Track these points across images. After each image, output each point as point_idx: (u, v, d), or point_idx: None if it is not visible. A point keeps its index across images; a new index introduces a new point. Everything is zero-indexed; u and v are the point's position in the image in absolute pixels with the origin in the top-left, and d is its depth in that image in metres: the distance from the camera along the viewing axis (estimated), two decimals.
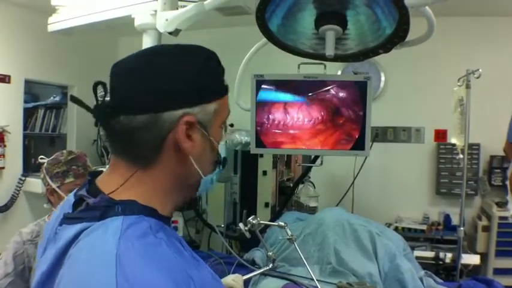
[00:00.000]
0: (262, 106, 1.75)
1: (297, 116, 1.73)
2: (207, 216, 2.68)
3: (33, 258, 1.49)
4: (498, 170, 3.68)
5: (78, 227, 0.61)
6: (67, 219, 0.65)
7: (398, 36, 0.98)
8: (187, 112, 0.65)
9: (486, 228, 3.44)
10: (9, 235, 1.57)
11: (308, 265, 1.62)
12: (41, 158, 1.65)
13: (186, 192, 0.73)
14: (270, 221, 2.00)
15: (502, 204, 3.41)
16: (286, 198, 2.84)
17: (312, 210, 2.80)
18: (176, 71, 0.66)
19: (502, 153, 3.32)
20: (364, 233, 1.88)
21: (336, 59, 1.07)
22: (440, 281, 1.88)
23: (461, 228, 2.56)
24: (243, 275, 1.56)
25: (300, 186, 2.94)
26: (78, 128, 4.26)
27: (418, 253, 2.57)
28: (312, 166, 2.73)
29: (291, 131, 1.75)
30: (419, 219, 3.81)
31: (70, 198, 0.71)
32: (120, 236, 0.56)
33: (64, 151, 1.65)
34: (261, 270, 1.75)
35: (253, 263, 1.91)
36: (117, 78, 0.68)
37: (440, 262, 2.54)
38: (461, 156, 2.64)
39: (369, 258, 1.80)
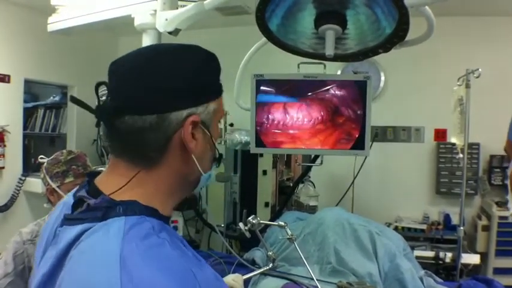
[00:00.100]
0: (262, 106, 1.75)
1: (296, 116, 1.73)
2: (207, 216, 2.68)
3: (33, 258, 1.49)
4: (498, 170, 3.68)
5: (79, 228, 0.60)
6: (67, 220, 0.65)
7: (398, 36, 0.98)
8: (192, 112, 0.66)
9: (486, 228, 3.44)
10: (9, 235, 1.57)
11: (308, 265, 1.62)
12: (41, 158, 1.65)
13: (186, 190, 0.74)
14: (270, 220, 2.00)
15: (502, 204, 3.42)
16: (286, 198, 2.84)
17: (312, 209, 2.80)
18: (180, 71, 0.66)
19: (502, 153, 3.33)
20: (364, 233, 1.88)
21: (335, 58, 1.07)
22: (440, 280, 1.88)
23: (461, 228, 2.56)
24: (243, 275, 1.56)
25: (300, 185, 2.94)
26: (78, 128, 4.26)
27: (418, 253, 2.56)
28: (311, 166, 2.73)
29: (291, 131, 1.75)
30: (419, 218, 3.81)
31: (69, 199, 0.71)
32: (123, 237, 0.56)
33: (64, 151, 1.65)
34: (261, 270, 1.75)
35: (253, 262, 1.91)
36: (119, 78, 0.67)
37: (440, 262, 2.53)
38: (461, 155, 2.64)
39: (369, 258, 1.80)
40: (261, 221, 1.68)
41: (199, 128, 0.67)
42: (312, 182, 3.09)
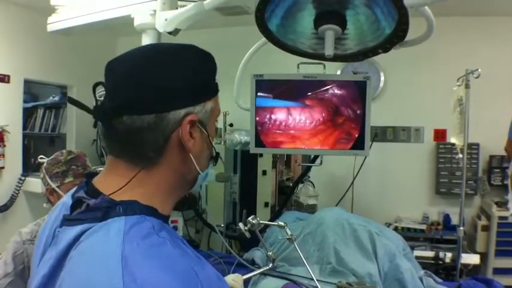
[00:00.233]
0: (262, 108, 1.75)
1: (299, 118, 1.73)
2: (206, 216, 2.68)
3: (32, 258, 1.48)
4: (497, 170, 3.68)
5: (78, 228, 0.60)
6: (67, 221, 0.65)
7: (397, 36, 0.98)
8: (190, 111, 0.66)
9: (486, 228, 3.44)
10: (9, 235, 1.57)
11: (308, 265, 1.62)
12: (41, 158, 1.64)
13: (184, 189, 0.74)
14: (269, 220, 2.00)
15: (502, 204, 3.42)
16: (285, 198, 2.84)
17: (312, 208, 2.81)
18: (179, 70, 0.67)
19: (502, 153, 3.33)
20: (364, 233, 1.88)
21: (335, 58, 1.07)
22: (440, 280, 1.88)
23: (461, 228, 2.56)
24: (243, 275, 1.56)
25: (300, 185, 2.94)
26: (78, 128, 4.26)
27: (417, 253, 2.57)
28: (311, 166, 2.73)
29: (292, 132, 1.75)
30: (419, 219, 3.81)
31: (67, 199, 0.70)
32: (123, 237, 0.56)
33: (63, 151, 1.65)
34: (261, 270, 1.75)
35: (253, 262, 1.92)
36: (116, 78, 0.67)
37: (440, 262, 2.54)
38: (460, 155, 2.64)
39: (369, 258, 1.80)
40: (261, 221, 1.68)
41: (196, 127, 0.67)
42: (312, 182, 3.09)
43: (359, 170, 3.22)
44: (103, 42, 4.42)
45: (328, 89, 1.71)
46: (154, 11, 1.63)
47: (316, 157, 2.44)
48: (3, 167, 3.60)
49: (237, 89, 1.75)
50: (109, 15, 1.81)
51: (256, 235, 1.72)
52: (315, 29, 0.99)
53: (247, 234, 1.68)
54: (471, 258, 2.64)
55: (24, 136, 3.98)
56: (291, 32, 1.09)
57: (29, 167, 3.87)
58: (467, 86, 2.54)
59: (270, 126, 1.74)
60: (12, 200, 3.66)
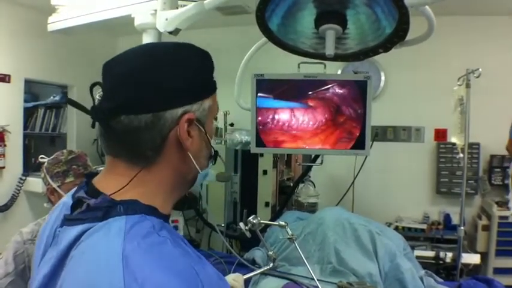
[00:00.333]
0: (264, 108, 1.75)
1: (302, 119, 1.73)
2: (207, 215, 2.68)
3: (33, 258, 1.48)
4: (498, 170, 3.68)
5: (79, 228, 0.60)
6: (67, 221, 0.65)
7: (398, 36, 0.98)
8: (187, 110, 0.66)
9: (486, 228, 3.44)
10: (10, 235, 1.57)
11: (308, 265, 1.62)
12: (42, 158, 1.65)
13: (184, 188, 0.74)
14: (270, 220, 2.00)
15: (502, 204, 3.42)
16: (286, 198, 2.84)
17: (312, 207, 2.80)
18: (176, 69, 0.66)
19: (502, 153, 3.34)
20: (365, 233, 1.88)
21: (336, 58, 1.07)
22: (440, 280, 1.88)
23: (462, 228, 2.56)
24: (244, 275, 1.56)
25: (300, 185, 2.94)
26: (78, 128, 4.26)
27: (418, 252, 2.57)
28: (312, 165, 2.73)
29: (293, 132, 1.75)
30: (420, 218, 3.81)
31: (67, 199, 0.70)
32: (124, 236, 0.56)
33: (64, 151, 1.65)
34: (262, 269, 1.75)
35: (253, 262, 1.92)
36: (114, 78, 0.67)
37: (441, 261, 2.54)
38: (461, 155, 2.64)
39: (369, 258, 1.80)
40: (262, 221, 1.68)
41: (194, 125, 0.68)
42: (312, 182, 3.09)
43: (359, 170, 3.22)
44: (103, 42, 4.41)
45: (328, 88, 1.70)
46: (155, 10, 1.63)
47: (316, 157, 2.44)
48: (3, 167, 3.60)
49: (237, 89, 1.75)
50: (109, 15, 1.81)
51: (257, 235, 1.72)
52: (316, 28, 0.99)
53: (248, 234, 1.68)
54: (472, 258, 2.64)
55: (25, 136, 3.98)
56: (292, 31, 1.09)
57: (30, 167, 3.87)
58: (468, 86, 2.54)
59: (273, 126, 1.74)
60: (13, 199, 3.66)
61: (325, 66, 1.74)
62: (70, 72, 4.11)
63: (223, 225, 2.75)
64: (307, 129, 1.74)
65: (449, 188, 3.78)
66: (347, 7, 0.96)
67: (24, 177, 3.74)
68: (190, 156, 0.68)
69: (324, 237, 1.91)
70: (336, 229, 1.92)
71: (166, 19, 1.57)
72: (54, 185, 1.54)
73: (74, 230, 0.61)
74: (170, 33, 1.60)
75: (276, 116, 1.73)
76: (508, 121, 2.65)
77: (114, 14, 1.79)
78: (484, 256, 3.29)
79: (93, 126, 0.67)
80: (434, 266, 2.49)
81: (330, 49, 0.97)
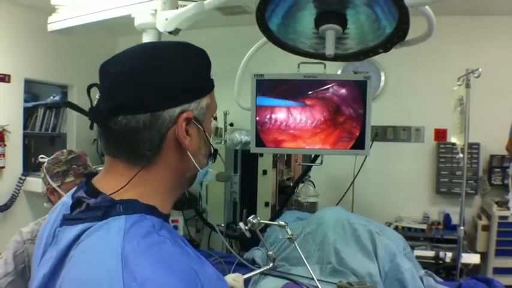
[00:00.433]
0: (263, 107, 1.75)
1: (299, 118, 1.73)
2: (207, 215, 2.68)
3: (33, 257, 1.48)
4: (498, 170, 3.68)
5: (79, 227, 0.60)
6: (67, 220, 0.65)
7: (398, 36, 0.98)
8: (185, 109, 0.66)
9: (486, 228, 3.44)
10: (9, 234, 1.57)
11: (308, 264, 1.62)
12: (41, 158, 1.65)
13: (184, 187, 0.74)
14: (270, 220, 2.00)
15: (502, 204, 3.42)
16: (286, 198, 2.84)
17: (312, 207, 2.80)
18: (176, 69, 0.67)
19: (502, 153, 3.34)
20: (364, 233, 1.88)
21: (336, 58, 1.07)
22: (440, 280, 1.88)
23: (461, 228, 2.56)
24: (243, 274, 1.56)
25: (300, 185, 2.94)
26: (78, 128, 4.26)
27: (418, 252, 2.57)
28: (311, 165, 2.73)
29: (292, 131, 1.75)
30: (419, 218, 3.81)
31: (67, 199, 0.71)
32: (123, 236, 0.56)
33: (64, 150, 1.65)
34: (261, 269, 1.75)
35: (253, 262, 1.91)
36: (111, 79, 0.66)
37: (440, 261, 2.54)
38: (461, 155, 2.64)
39: (369, 258, 1.80)
40: (261, 221, 1.68)
41: (192, 124, 0.67)
42: (312, 182, 3.09)
43: (359, 170, 3.22)
44: (103, 42, 4.41)
45: (328, 88, 1.71)
46: (155, 10, 1.63)
47: (316, 157, 2.44)
48: (3, 167, 3.60)
49: (237, 89, 1.75)
50: (109, 14, 1.81)
51: (257, 235, 1.72)
52: (316, 28, 0.99)
53: (248, 234, 1.68)
54: (471, 258, 2.64)
55: (25, 136, 3.98)
56: (292, 31, 1.09)
57: (30, 167, 3.87)
58: (467, 86, 2.54)
59: (271, 126, 1.74)
60: (13, 199, 3.66)
61: (325, 66, 1.74)
62: (70, 72, 4.11)
63: (223, 225, 2.75)
64: (306, 128, 1.74)
65: (449, 188, 3.78)
66: (347, 7, 0.96)
67: (24, 177, 3.74)
68: (189, 154, 0.68)
69: (324, 237, 1.91)
70: (336, 229, 1.92)
71: (166, 19, 1.58)
72: (54, 185, 1.54)
73: (73, 230, 0.61)
74: (170, 33, 1.61)
75: (273, 116, 1.73)
76: (508, 121, 2.65)
77: (114, 14, 1.79)
78: (484, 256, 3.29)
79: (91, 127, 0.68)
80: (434, 266, 2.49)
81: (330, 49, 0.97)
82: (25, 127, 4.03)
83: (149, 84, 0.64)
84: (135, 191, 0.64)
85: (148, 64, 0.66)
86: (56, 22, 2.00)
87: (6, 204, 3.62)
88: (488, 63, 3.07)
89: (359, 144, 1.70)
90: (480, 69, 2.45)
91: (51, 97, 4.53)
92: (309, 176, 3.03)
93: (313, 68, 1.65)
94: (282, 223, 1.71)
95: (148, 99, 0.64)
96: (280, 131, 1.74)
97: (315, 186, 3.07)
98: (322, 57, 1.14)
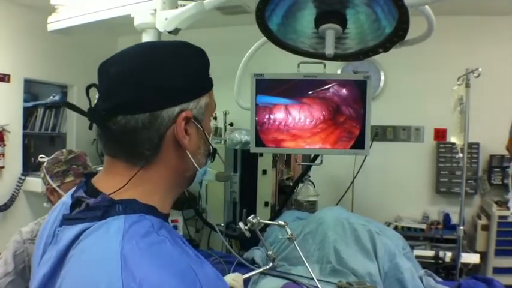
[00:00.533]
0: (263, 107, 1.75)
1: (298, 117, 1.73)
2: (206, 215, 2.68)
3: (32, 257, 1.48)
4: (498, 169, 3.68)
5: (78, 227, 0.60)
6: (67, 220, 0.65)
7: (398, 35, 0.98)
8: (184, 108, 0.66)
9: (486, 227, 3.44)
10: (9, 234, 1.57)
11: (308, 264, 1.62)
12: (41, 157, 1.64)
13: (183, 186, 0.74)
14: (269, 220, 2.00)
15: (502, 203, 3.42)
16: (286, 197, 2.84)
17: (312, 208, 2.80)
18: (176, 68, 0.66)
19: (502, 153, 3.34)
20: (364, 232, 1.88)
21: (335, 58, 1.07)
22: (440, 280, 1.88)
23: (461, 227, 2.56)
24: (243, 274, 1.56)
25: (300, 185, 2.94)
26: (78, 127, 4.26)
27: (417, 252, 2.56)
28: (311, 165, 2.73)
29: (292, 131, 1.75)
30: (419, 218, 3.81)
31: (67, 199, 0.71)
32: (123, 235, 0.56)
33: (64, 150, 1.65)
34: (261, 269, 1.75)
35: (253, 262, 1.92)
36: (110, 79, 0.66)
37: (440, 261, 2.53)
38: (461, 155, 2.63)
39: (369, 258, 1.80)
40: (261, 221, 1.68)
41: (191, 123, 0.67)
42: (312, 182, 3.09)
43: (359, 170, 3.22)
44: (103, 42, 4.40)
45: (328, 88, 1.71)
46: (155, 10, 1.63)
47: (316, 156, 2.44)
48: (3, 167, 3.60)
49: (237, 88, 1.75)
50: (109, 14, 1.80)
51: (256, 234, 1.72)
52: (316, 28, 0.99)
53: (247, 234, 1.68)
54: (471, 258, 2.64)
55: (25, 135, 3.98)
56: (292, 31, 1.09)
57: (29, 167, 3.87)
58: (467, 85, 2.53)
59: (269, 126, 1.74)
60: (12, 199, 3.66)
61: (324, 66, 1.74)
62: (70, 72, 4.11)
63: (222, 224, 2.75)
64: (305, 127, 1.74)
65: (448, 188, 3.78)
66: (347, 7, 0.96)
67: (23, 177, 3.74)
68: (189, 154, 0.68)
69: (324, 236, 1.91)
70: (336, 229, 1.92)
71: (166, 19, 1.57)
72: (54, 185, 1.54)
73: (73, 230, 0.61)
74: (170, 33, 1.60)
75: (272, 116, 1.74)
76: (508, 121, 2.65)
77: (114, 14, 1.79)
78: (484, 256, 3.29)
79: (90, 127, 0.68)
80: (434, 266, 2.49)
81: (329, 49, 0.97)
82: (25, 127, 4.03)
83: (149, 84, 0.64)
84: (134, 190, 0.64)
85: (147, 64, 0.66)
86: (55, 22, 2.00)
87: (6, 204, 3.62)
88: (488, 63, 3.07)
89: (359, 144, 1.71)
90: (480, 69, 2.45)
91: (51, 97, 4.53)
92: (309, 176, 3.03)
93: (313, 68, 1.65)
94: (282, 223, 1.71)
95: (147, 99, 0.64)
96: (280, 130, 1.74)
97: (314, 186, 3.07)
98: (322, 56, 1.14)
